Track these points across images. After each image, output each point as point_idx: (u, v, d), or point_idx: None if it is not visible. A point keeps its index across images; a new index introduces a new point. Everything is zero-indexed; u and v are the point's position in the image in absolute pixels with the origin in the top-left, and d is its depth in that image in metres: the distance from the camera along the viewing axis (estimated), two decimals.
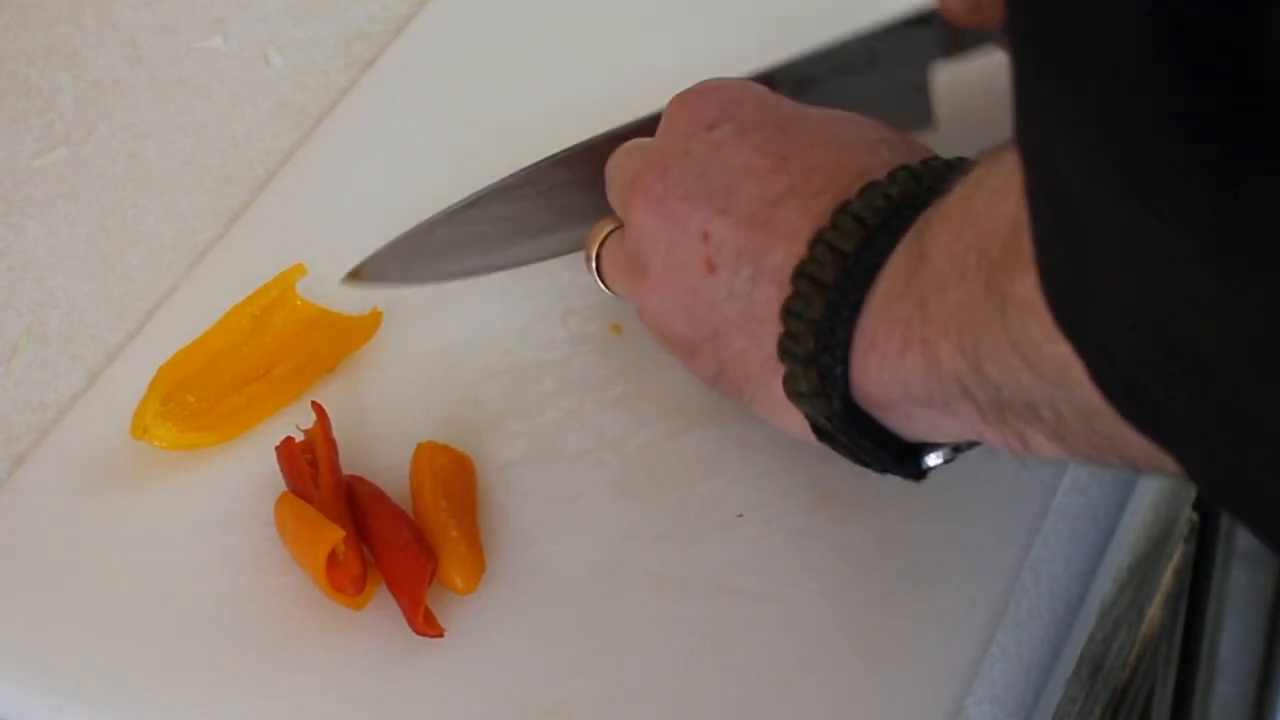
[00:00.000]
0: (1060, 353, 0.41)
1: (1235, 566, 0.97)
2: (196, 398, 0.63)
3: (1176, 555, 0.80)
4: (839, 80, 0.66)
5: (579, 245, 0.64)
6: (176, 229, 0.73)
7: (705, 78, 0.61)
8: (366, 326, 0.67)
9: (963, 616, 0.56)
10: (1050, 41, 0.35)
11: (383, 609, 0.58)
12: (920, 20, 0.66)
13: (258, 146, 0.76)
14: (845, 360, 0.51)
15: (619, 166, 0.61)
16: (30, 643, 0.60)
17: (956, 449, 0.54)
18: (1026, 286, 0.42)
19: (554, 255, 0.67)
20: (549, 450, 0.62)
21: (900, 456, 0.53)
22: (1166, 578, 0.79)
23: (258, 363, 0.65)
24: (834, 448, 0.54)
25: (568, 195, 0.66)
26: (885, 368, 0.50)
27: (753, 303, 0.55)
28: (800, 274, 0.53)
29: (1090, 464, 0.47)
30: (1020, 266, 0.43)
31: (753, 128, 0.57)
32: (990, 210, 0.46)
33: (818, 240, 0.53)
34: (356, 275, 0.67)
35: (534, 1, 0.80)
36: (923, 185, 0.52)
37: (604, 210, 0.63)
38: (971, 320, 0.46)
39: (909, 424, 0.52)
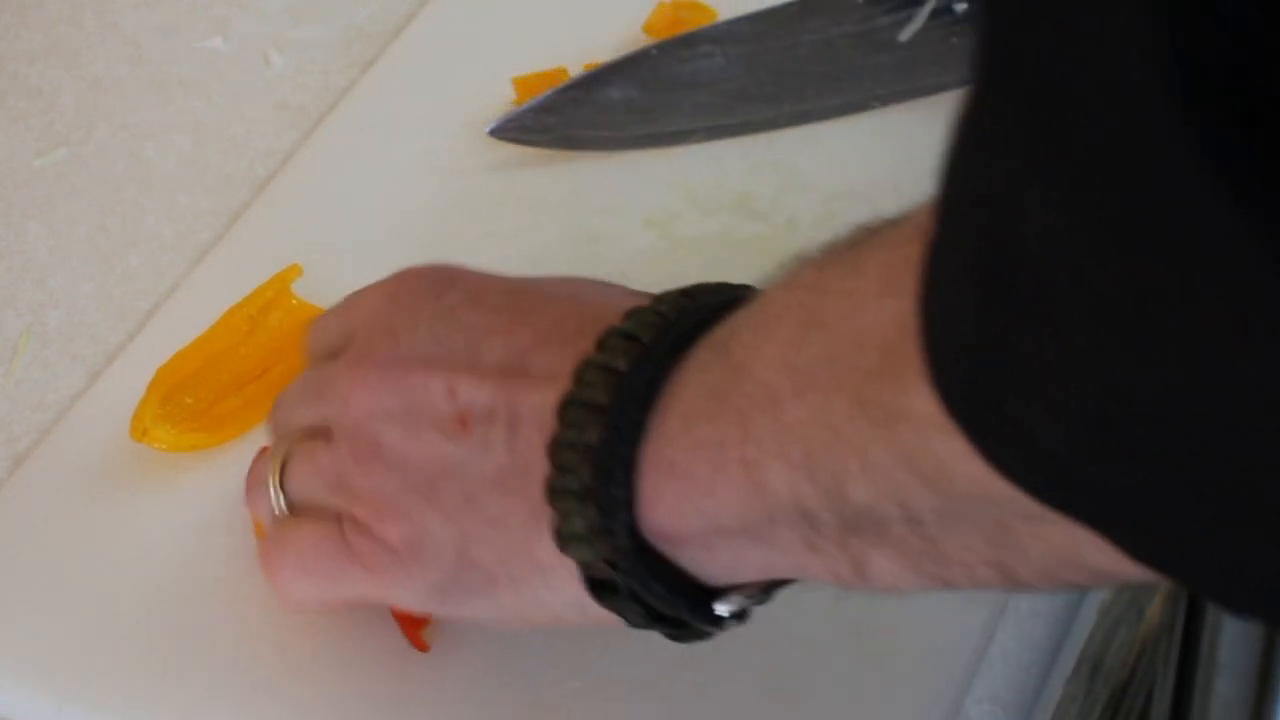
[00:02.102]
0: (977, 470, 0.36)
1: None
2: (194, 399, 0.63)
3: None
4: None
5: (710, 132, 0.62)
6: (177, 229, 0.73)
7: None
8: None
9: (963, 616, 0.56)
10: (1033, 74, 0.31)
11: (382, 609, 0.58)
12: None
13: (258, 146, 0.76)
14: (628, 486, 0.45)
15: (307, 380, 0.55)
16: (30, 643, 0.60)
17: (762, 593, 0.48)
18: (926, 402, 0.37)
19: (683, 142, 0.63)
20: None
21: (695, 605, 0.47)
22: None
23: (255, 363, 0.65)
24: (614, 607, 0.48)
25: (709, 71, 0.62)
26: (687, 495, 0.45)
27: (513, 452, 0.48)
28: (569, 403, 0.47)
29: (930, 588, 0.43)
30: (914, 380, 0.38)
31: (483, 293, 0.52)
32: (852, 316, 0.41)
33: (586, 366, 0.47)
34: (502, 129, 0.68)
35: (534, 1, 0.80)
36: (696, 303, 0.47)
37: (739, 93, 0.61)
38: (828, 441, 0.41)
39: (705, 557, 0.46)
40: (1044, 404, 0.34)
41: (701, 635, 0.49)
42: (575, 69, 0.74)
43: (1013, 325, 0.34)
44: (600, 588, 0.48)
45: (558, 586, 0.49)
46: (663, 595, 0.47)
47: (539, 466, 0.47)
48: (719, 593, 0.47)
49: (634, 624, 0.48)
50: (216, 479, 0.63)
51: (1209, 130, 0.28)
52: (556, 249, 0.69)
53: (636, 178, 0.71)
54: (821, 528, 0.43)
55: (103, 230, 0.73)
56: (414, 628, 0.57)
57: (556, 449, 0.47)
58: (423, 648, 0.57)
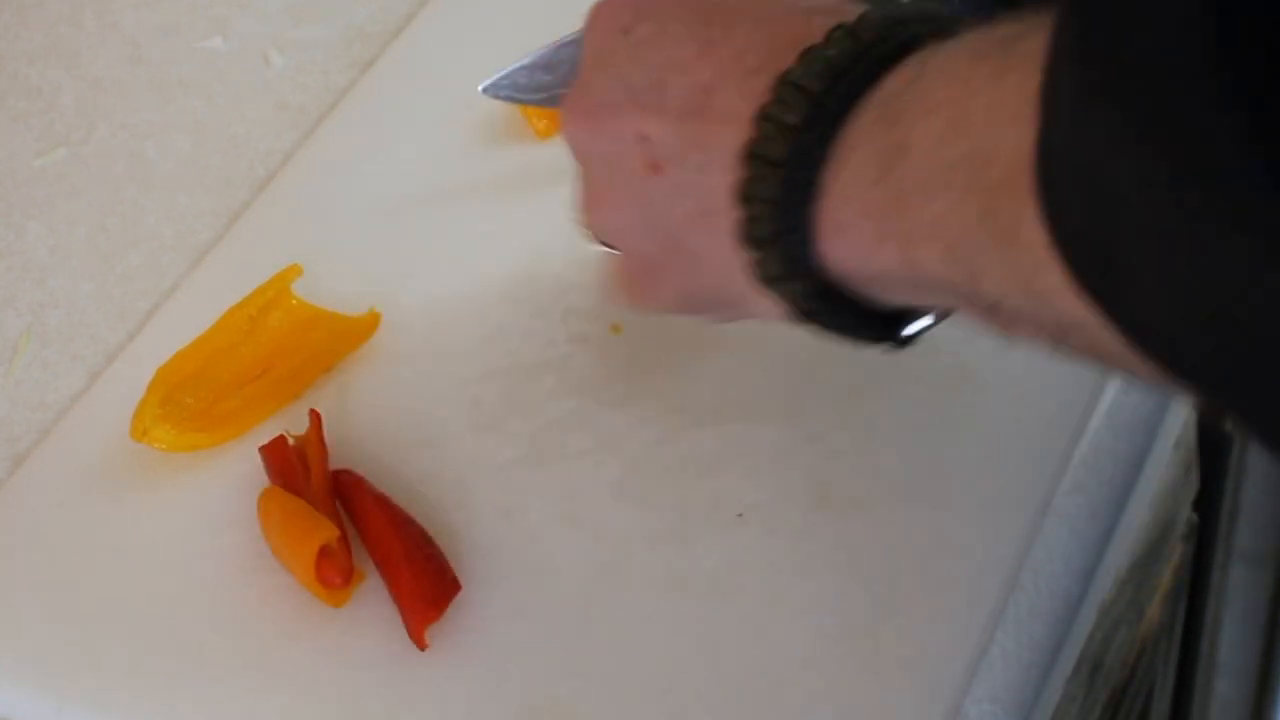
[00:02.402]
0: (1077, 304, 0.39)
1: (1234, 566, 0.97)
2: (194, 399, 0.64)
3: (1175, 555, 0.80)
4: None
5: None
6: (177, 229, 0.73)
7: None
8: (365, 327, 0.67)
9: (963, 616, 0.56)
10: (1107, 35, 0.34)
11: (382, 609, 0.58)
12: None
13: (258, 147, 0.76)
14: (810, 240, 0.49)
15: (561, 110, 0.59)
16: (30, 642, 0.60)
17: (940, 316, 0.52)
18: (1039, 232, 0.40)
19: None
20: (549, 450, 0.62)
21: (884, 325, 0.51)
22: (1165, 577, 0.79)
23: (254, 363, 0.65)
24: (816, 328, 0.52)
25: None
26: (857, 253, 0.48)
27: (705, 193, 0.52)
28: (750, 154, 0.50)
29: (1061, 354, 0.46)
30: (1029, 207, 0.41)
31: (671, 20, 0.54)
32: (987, 129, 0.43)
33: (762, 117, 0.50)
34: (496, 87, 0.66)
35: (534, 2, 0.80)
36: (862, 44, 0.49)
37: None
38: (963, 239, 0.44)
39: (884, 294, 0.50)
40: (1146, 291, 0.36)
41: (896, 346, 0.52)
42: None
43: (1106, 230, 0.37)
44: (802, 314, 0.51)
45: (767, 308, 0.52)
46: (851, 324, 0.51)
47: (729, 208, 0.50)
48: (904, 314, 0.51)
49: (837, 338, 0.52)
50: (216, 479, 0.63)
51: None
52: (555, 248, 0.69)
53: None
54: (971, 302, 0.46)
55: (103, 230, 0.73)
56: (417, 625, 0.57)
57: (743, 199, 0.50)
58: (423, 646, 0.57)
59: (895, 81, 0.48)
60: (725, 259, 0.52)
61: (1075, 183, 0.38)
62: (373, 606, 0.58)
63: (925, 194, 0.45)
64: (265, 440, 0.62)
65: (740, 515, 0.60)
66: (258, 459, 0.62)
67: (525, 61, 0.67)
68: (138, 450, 0.63)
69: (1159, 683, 0.88)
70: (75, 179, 0.76)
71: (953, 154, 0.44)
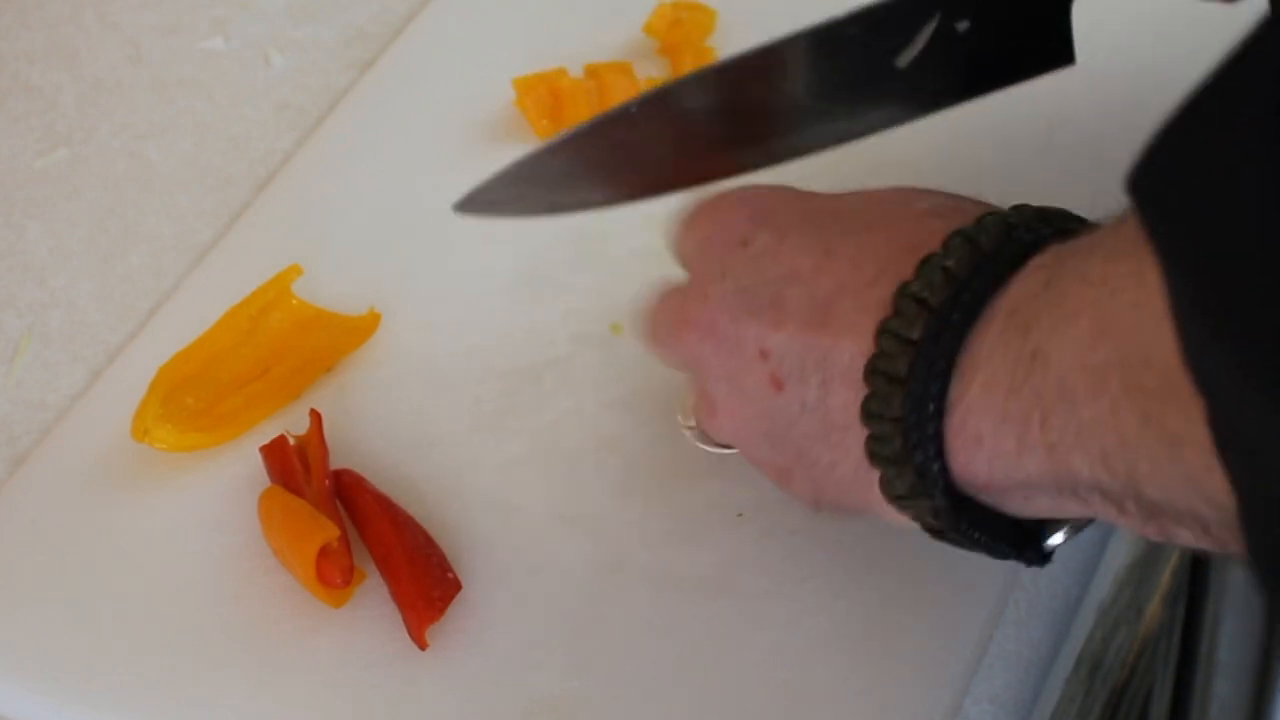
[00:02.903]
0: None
1: (1233, 566, 0.97)
2: (195, 399, 0.64)
3: (1175, 555, 0.80)
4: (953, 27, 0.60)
5: (698, 179, 0.59)
6: (177, 229, 0.73)
7: None
8: (365, 326, 0.67)
9: (962, 616, 0.56)
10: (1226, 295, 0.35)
11: (382, 609, 0.58)
12: None
13: (258, 147, 0.76)
14: (940, 456, 0.48)
15: (659, 316, 0.57)
16: (30, 642, 0.60)
17: (1079, 525, 0.51)
18: (1207, 434, 0.39)
19: (672, 191, 0.61)
20: (549, 450, 0.62)
21: (1019, 542, 0.50)
22: (1165, 577, 0.79)
23: (255, 363, 0.65)
24: (952, 544, 0.51)
25: (691, 122, 0.60)
26: (998, 465, 0.47)
27: (829, 411, 0.51)
28: (872, 370, 0.49)
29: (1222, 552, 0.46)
30: (1193, 411, 0.39)
31: (789, 230, 0.53)
32: (1138, 332, 0.42)
33: (882, 331, 0.49)
34: (469, 204, 0.63)
35: (534, 2, 0.80)
36: (982, 251, 0.48)
37: (728, 138, 0.59)
38: (1122, 445, 0.43)
39: (1027, 505, 0.48)
40: None
41: (1035, 563, 0.51)
42: (575, 69, 0.74)
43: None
44: (934, 531, 0.51)
45: (902, 520, 0.51)
46: (985, 542, 0.50)
47: (855, 426, 0.50)
48: (1043, 527, 0.50)
49: (973, 551, 0.51)
50: (216, 479, 0.63)
51: None
52: (555, 248, 0.69)
53: None
54: (1125, 506, 0.45)
55: (103, 230, 0.73)
56: (417, 625, 0.57)
57: (867, 417, 0.49)
58: (423, 646, 0.57)
59: (1023, 288, 0.47)
60: (854, 473, 0.51)
61: (1230, 437, 0.37)
62: (373, 606, 0.58)
63: (1068, 401, 0.44)
64: (265, 440, 0.62)
65: (740, 515, 0.60)
66: (258, 459, 0.62)
67: (502, 172, 0.62)
68: (138, 450, 0.63)
69: (1158, 683, 0.88)
70: (76, 179, 0.76)
71: (1099, 358, 0.43)
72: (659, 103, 0.60)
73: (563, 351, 0.65)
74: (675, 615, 0.57)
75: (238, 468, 0.63)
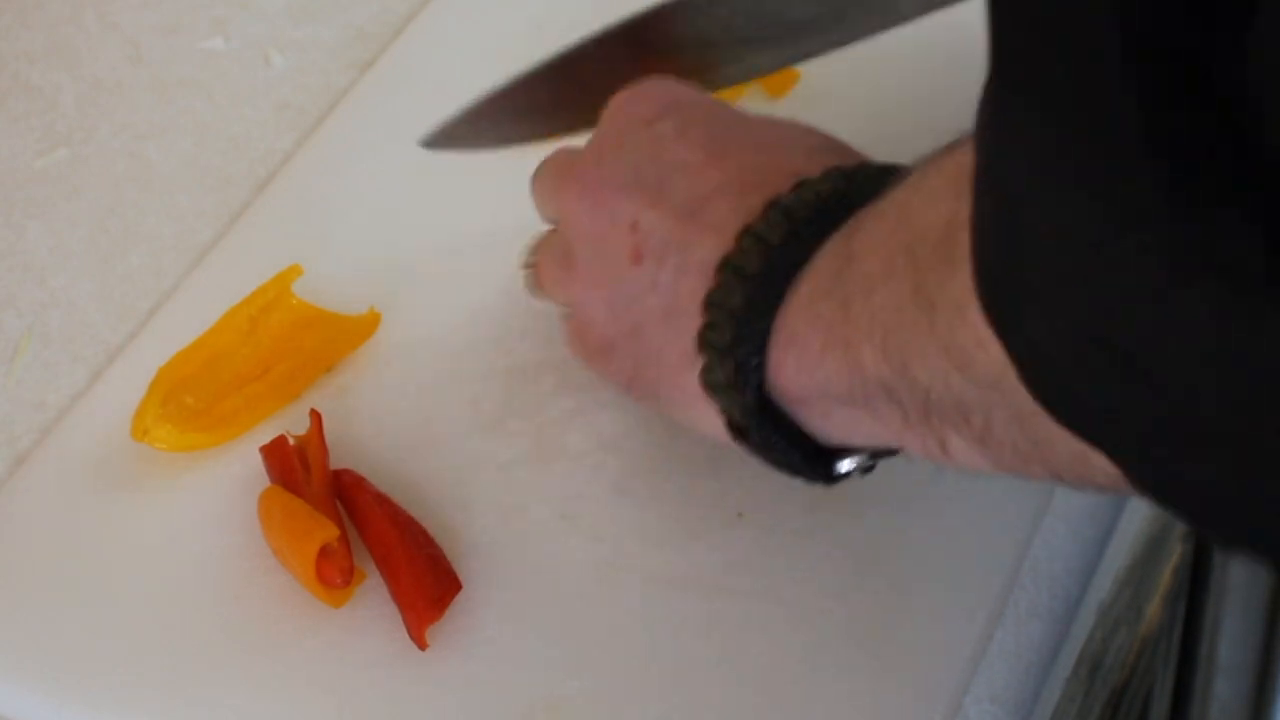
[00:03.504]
0: (993, 357, 0.41)
1: (1234, 565, 0.97)
2: (195, 399, 0.64)
3: (1175, 554, 0.80)
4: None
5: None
6: (177, 229, 0.73)
7: None
8: (365, 326, 0.67)
9: (962, 616, 0.56)
10: (1025, 52, 0.36)
11: (382, 609, 0.58)
12: None
13: (258, 147, 0.76)
14: (762, 352, 0.51)
15: (548, 166, 0.61)
16: (30, 642, 0.60)
17: (873, 457, 0.53)
18: (958, 289, 0.42)
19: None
20: (549, 450, 0.62)
21: (813, 459, 0.53)
22: (1165, 577, 0.79)
23: (255, 363, 0.65)
24: (747, 447, 0.54)
25: (653, 54, 0.65)
26: (804, 365, 0.50)
27: (676, 295, 0.54)
28: (725, 265, 0.52)
29: (1011, 474, 0.46)
30: (951, 269, 0.42)
31: (692, 125, 0.57)
32: (924, 212, 0.46)
33: (745, 233, 0.52)
34: (435, 140, 0.68)
35: (534, 1, 0.80)
36: (854, 185, 0.52)
37: (689, 69, 0.63)
38: (898, 323, 0.46)
39: (825, 423, 0.51)
40: (1045, 314, 0.37)
41: (824, 482, 0.54)
42: None
43: (1015, 252, 0.38)
44: (735, 430, 0.53)
45: (706, 415, 0.54)
46: (782, 449, 0.53)
47: (694, 312, 0.53)
48: (837, 452, 0.53)
49: (764, 462, 0.54)
50: (216, 479, 0.63)
51: (1155, 113, 0.33)
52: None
53: None
54: (905, 406, 0.47)
55: (103, 230, 0.73)
56: (417, 625, 0.57)
57: (708, 305, 0.53)
58: (423, 646, 0.57)
59: (861, 212, 0.50)
60: (679, 359, 0.54)
61: (995, 220, 0.39)
62: (373, 606, 0.58)
63: (866, 292, 0.47)
64: (265, 440, 0.62)
65: (740, 515, 0.60)
66: (258, 459, 0.62)
67: (461, 112, 0.67)
68: (138, 450, 0.63)
69: (1158, 682, 0.88)
70: (76, 179, 0.76)
71: (893, 246, 0.47)
72: (619, 38, 0.64)
73: (563, 352, 0.65)
74: (675, 615, 0.57)
75: (238, 468, 0.63)
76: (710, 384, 0.53)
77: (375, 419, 0.64)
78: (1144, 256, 0.34)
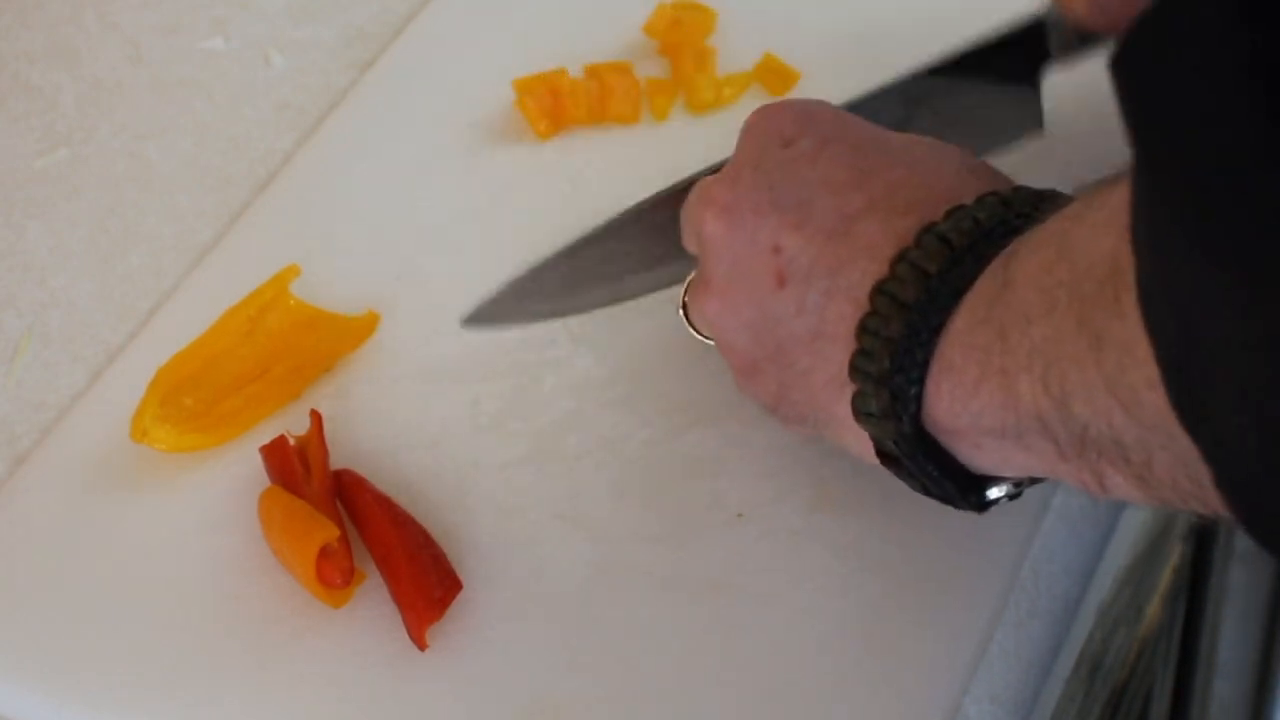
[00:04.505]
0: (1162, 399, 0.40)
1: (1233, 566, 0.97)
2: (194, 400, 0.64)
3: (1175, 555, 0.80)
4: (947, 89, 0.63)
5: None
6: (177, 229, 0.73)
7: None
8: (363, 327, 0.67)
9: (962, 616, 0.56)
10: (1166, 154, 0.36)
11: (382, 609, 0.58)
12: (1034, 24, 0.63)
13: (258, 147, 0.76)
14: (920, 382, 0.50)
15: (692, 195, 0.59)
16: (30, 642, 0.60)
17: (1020, 484, 0.53)
18: (1126, 330, 0.41)
19: (671, 284, 0.63)
20: (549, 450, 0.62)
21: (964, 487, 0.52)
22: (1165, 577, 0.79)
23: (254, 364, 0.65)
24: (896, 472, 0.53)
25: (676, 229, 0.62)
26: (959, 395, 0.49)
27: (823, 319, 0.53)
28: (880, 291, 0.51)
29: (1167, 507, 0.46)
30: (1119, 308, 0.42)
31: (832, 142, 0.55)
32: (1087, 247, 0.44)
33: (900, 259, 0.51)
34: (476, 318, 0.65)
35: (534, 2, 0.80)
36: (1011, 211, 0.51)
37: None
38: (1059, 355, 0.45)
39: (977, 454, 0.51)
40: (1235, 411, 0.37)
41: (975, 509, 0.53)
42: (575, 70, 0.74)
43: (1190, 347, 0.38)
44: (885, 456, 0.53)
45: (853, 439, 0.54)
46: (934, 477, 0.52)
47: (845, 338, 0.52)
48: (987, 480, 0.52)
49: (912, 488, 0.53)
50: (216, 479, 0.63)
51: None
52: (555, 247, 0.69)
53: (635, 174, 0.71)
54: (1059, 440, 0.47)
55: (103, 230, 0.73)
56: (417, 625, 0.57)
57: (862, 333, 0.51)
58: (423, 646, 0.57)
59: (1019, 239, 0.49)
60: (825, 384, 0.53)
61: (1175, 331, 0.39)
62: (373, 606, 0.58)
63: (1024, 322, 0.46)
64: (265, 440, 0.62)
65: (740, 515, 0.60)
66: (258, 459, 0.62)
67: (506, 286, 0.65)
68: (138, 450, 0.63)
69: (1158, 682, 0.88)
70: (76, 179, 0.76)
71: (1053, 279, 0.46)
72: (644, 216, 0.63)
73: (563, 351, 0.65)
74: (675, 615, 0.57)
75: (238, 468, 0.63)
76: (863, 412, 0.52)
77: (375, 419, 0.64)
78: None
